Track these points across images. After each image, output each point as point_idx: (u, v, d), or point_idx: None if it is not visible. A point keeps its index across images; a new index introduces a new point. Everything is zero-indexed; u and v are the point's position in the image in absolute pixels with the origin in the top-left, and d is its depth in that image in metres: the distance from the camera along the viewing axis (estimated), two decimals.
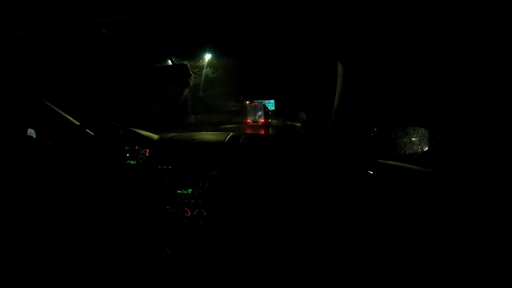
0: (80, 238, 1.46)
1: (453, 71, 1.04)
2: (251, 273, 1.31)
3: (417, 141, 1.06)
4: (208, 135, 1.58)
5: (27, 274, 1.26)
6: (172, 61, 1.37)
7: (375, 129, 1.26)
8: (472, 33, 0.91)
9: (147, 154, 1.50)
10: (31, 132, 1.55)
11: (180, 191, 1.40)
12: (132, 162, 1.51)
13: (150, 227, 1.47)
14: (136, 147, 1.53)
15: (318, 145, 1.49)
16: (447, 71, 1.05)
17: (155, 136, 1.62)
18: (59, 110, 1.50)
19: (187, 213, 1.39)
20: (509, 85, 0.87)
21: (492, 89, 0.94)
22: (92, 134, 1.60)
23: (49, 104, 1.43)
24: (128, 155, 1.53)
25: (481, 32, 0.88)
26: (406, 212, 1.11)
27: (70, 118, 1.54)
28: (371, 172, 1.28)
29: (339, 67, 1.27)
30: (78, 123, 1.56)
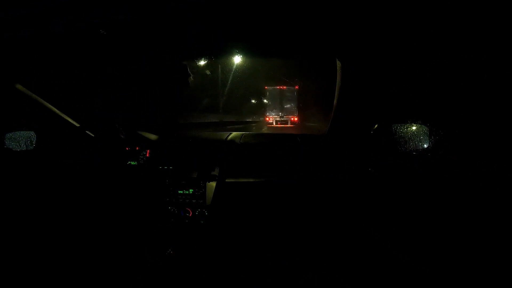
0: (82, 239, 1.46)
1: (452, 69, 1.04)
2: (252, 272, 1.31)
3: (418, 139, 1.06)
4: (208, 135, 1.58)
5: (28, 274, 1.26)
6: (171, 61, 1.37)
7: (375, 127, 1.26)
8: (472, 32, 0.91)
9: (147, 155, 1.50)
10: (30, 134, 1.54)
11: (181, 191, 1.40)
12: (133, 163, 1.51)
13: (152, 228, 1.47)
14: (137, 148, 1.53)
15: (318, 145, 1.49)
16: (447, 70, 1.05)
17: (154, 137, 1.62)
18: (58, 111, 1.50)
19: (189, 213, 1.39)
20: (509, 85, 0.88)
21: (492, 88, 0.95)
22: (93, 135, 1.60)
23: (46, 104, 1.43)
24: (128, 156, 1.53)
25: (481, 31, 0.88)
26: (406, 211, 1.11)
27: (70, 120, 1.54)
28: (371, 171, 1.29)
29: (338, 65, 1.27)
30: (78, 125, 1.55)
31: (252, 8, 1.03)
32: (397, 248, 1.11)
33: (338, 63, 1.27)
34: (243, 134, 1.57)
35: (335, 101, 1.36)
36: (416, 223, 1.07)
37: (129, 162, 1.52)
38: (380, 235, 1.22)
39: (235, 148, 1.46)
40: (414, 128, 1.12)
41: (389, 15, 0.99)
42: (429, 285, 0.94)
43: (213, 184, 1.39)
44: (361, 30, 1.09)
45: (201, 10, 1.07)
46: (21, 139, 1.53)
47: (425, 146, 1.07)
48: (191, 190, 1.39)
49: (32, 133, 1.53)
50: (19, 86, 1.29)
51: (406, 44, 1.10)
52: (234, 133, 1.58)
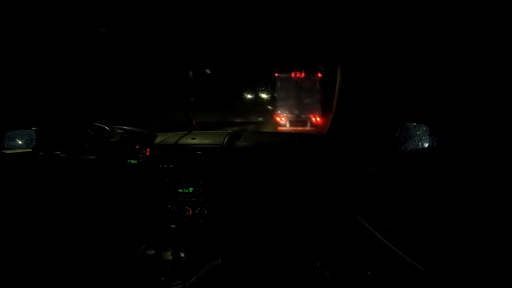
0: (81, 237, 1.46)
1: (452, 67, 1.05)
2: (252, 272, 1.31)
3: (418, 138, 1.07)
4: (208, 134, 1.58)
5: (26, 271, 1.26)
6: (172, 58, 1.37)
7: (375, 126, 1.26)
8: (471, 31, 0.91)
9: (147, 154, 1.50)
10: (31, 132, 1.54)
11: (181, 190, 1.40)
12: (133, 161, 1.51)
13: (152, 226, 1.47)
14: (137, 147, 1.53)
15: (319, 144, 1.50)
16: (447, 68, 1.05)
17: (155, 135, 1.62)
18: (58, 110, 1.50)
19: (189, 212, 1.40)
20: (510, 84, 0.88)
21: (492, 87, 0.95)
22: (92, 133, 1.60)
23: (46, 103, 1.42)
24: (128, 154, 1.53)
25: (481, 30, 0.88)
26: (406, 210, 1.12)
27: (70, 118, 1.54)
28: (372, 171, 1.29)
29: (338, 66, 1.28)
30: (78, 123, 1.55)
31: (255, 10, 1.04)
32: (397, 247, 1.11)
33: (338, 64, 1.27)
34: (243, 132, 1.58)
35: (335, 101, 1.37)
36: (415, 222, 1.07)
37: (129, 160, 1.52)
38: (380, 234, 1.22)
39: (235, 146, 1.46)
40: (414, 127, 1.13)
41: (386, 19, 0.99)
42: (429, 284, 0.94)
43: (213, 183, 1.39)
44: (359, 33, 1.09)
45: (202, 12, 1.08)
46: (22, 138, 1.53)
47: (425, 145, 1.07)
48: (191, 189, 1.39)
49: (32, 131, 1.53)
50: (19, 86, 1.29)
51: (404, 46, 1.10)
52: (234, 132, 1.58)
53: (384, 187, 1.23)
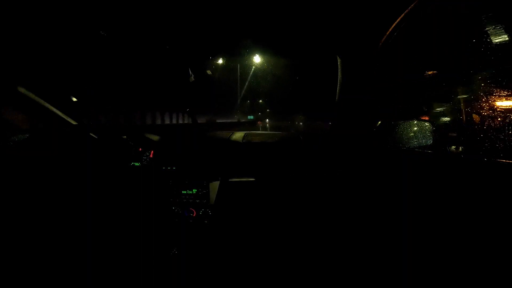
0: (86, 240, 1.47)
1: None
2: (256, 272, 1.31)
3: (421, 136, 1.06)
4: (211, 134, 1.58)
5: (31, 274, 1.27)
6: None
7: (378, 124, 1.26)
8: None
9: (151, 156, 1.51)
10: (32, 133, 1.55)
11: (185, 192, 1.41)
12: (136, 164, 1.52)
13: (156, 228, 1.48)
14: (140, 149, 1.54)
15: (321, 143, 1.50)
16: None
17: (156, 137, 1.63)
18: (61, 113, 1.50)
19: (193, 213, 1.40)
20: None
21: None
22: (96, 137, 1.61)
23: (49, 105, 1.43)
24: (132, 157, 1.53)
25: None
26: (408, 210, 1.11)
27: (72, 121, 1.54)
28: (373, 170, 1.29)
29: (339, 61, 1.27)
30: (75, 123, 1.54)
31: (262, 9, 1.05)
32: (396, 248, 1.11)
33: (339, 60, 1.27)
34: (246, 133, 1.58)
35: (337, 99, 1.36)
36: (416, 222, 1.06)
37: (132, 163, 1.52)
38: (379, 233, 1.22)
39: (238, 147, 1.47)
40: (417, 124, 1.12)
41: (387, 14, 0.99)
42: (428, 284, 0.93)
43: (216, 183, 1.40)
44: (360, 27, 1.09)
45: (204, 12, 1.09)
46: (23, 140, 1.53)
47: (429, 143, 1.06)
48: (194, 190, 1.40)
49: (34, 133, 1.54)
50: (21, 89, 1.30)
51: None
52: (237, 132, 1.59)
53: (387, 185, 1.22)
